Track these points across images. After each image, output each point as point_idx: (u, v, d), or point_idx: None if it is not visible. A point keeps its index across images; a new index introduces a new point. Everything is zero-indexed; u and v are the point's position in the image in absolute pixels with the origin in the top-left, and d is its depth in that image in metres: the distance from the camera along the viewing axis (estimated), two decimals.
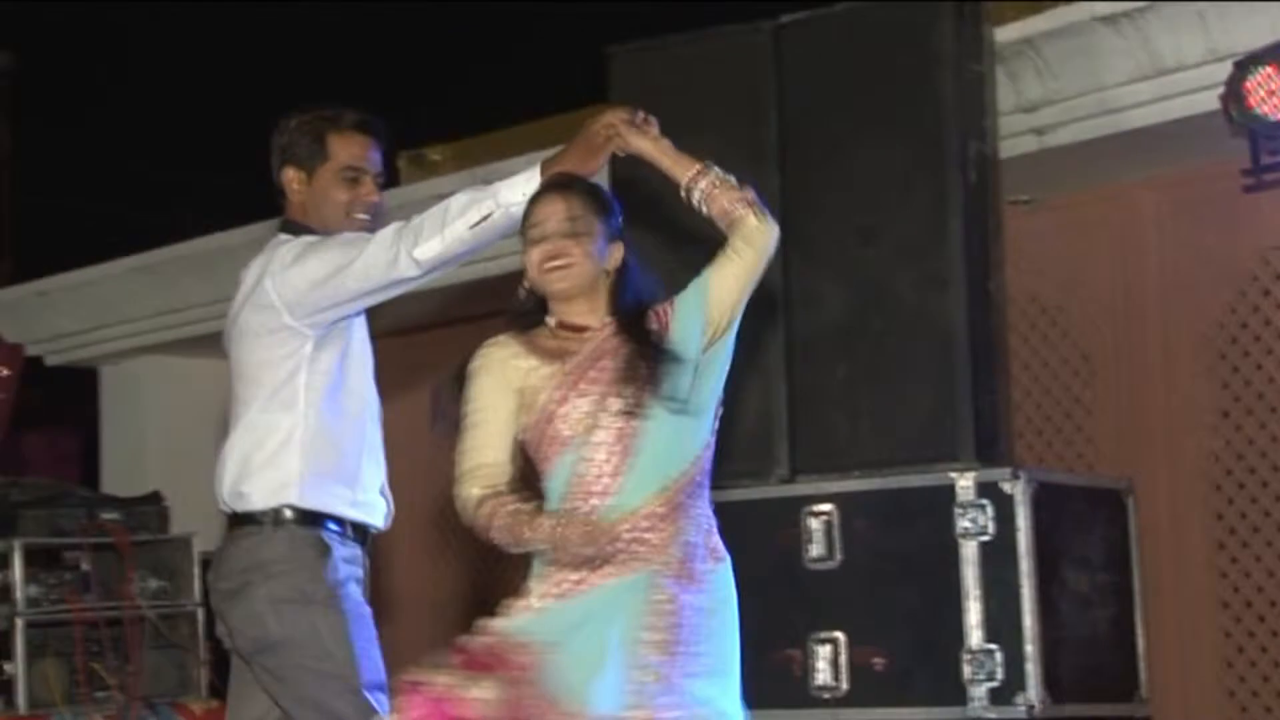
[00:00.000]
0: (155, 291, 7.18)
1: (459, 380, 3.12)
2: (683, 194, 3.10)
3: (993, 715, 4.18)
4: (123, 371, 7.67)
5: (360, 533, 3.57)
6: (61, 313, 7.54)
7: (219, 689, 5.31)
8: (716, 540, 3.11)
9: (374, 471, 3.61)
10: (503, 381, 3.09)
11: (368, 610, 3.52)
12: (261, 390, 3.51)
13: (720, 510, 4.53)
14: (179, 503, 5.54)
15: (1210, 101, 4.56)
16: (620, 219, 3.16)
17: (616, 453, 3.01)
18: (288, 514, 3.48)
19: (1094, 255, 5.40)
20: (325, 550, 3.47)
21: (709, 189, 3.08)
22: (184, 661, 5.31)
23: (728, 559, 3.10)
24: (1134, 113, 4.84)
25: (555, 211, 3.08)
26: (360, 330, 3.61)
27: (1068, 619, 4.31)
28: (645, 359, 3.05)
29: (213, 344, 7.55)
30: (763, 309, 4.53)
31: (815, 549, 4.41)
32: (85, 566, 5.12)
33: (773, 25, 4.69)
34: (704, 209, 3.08)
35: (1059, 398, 5.44)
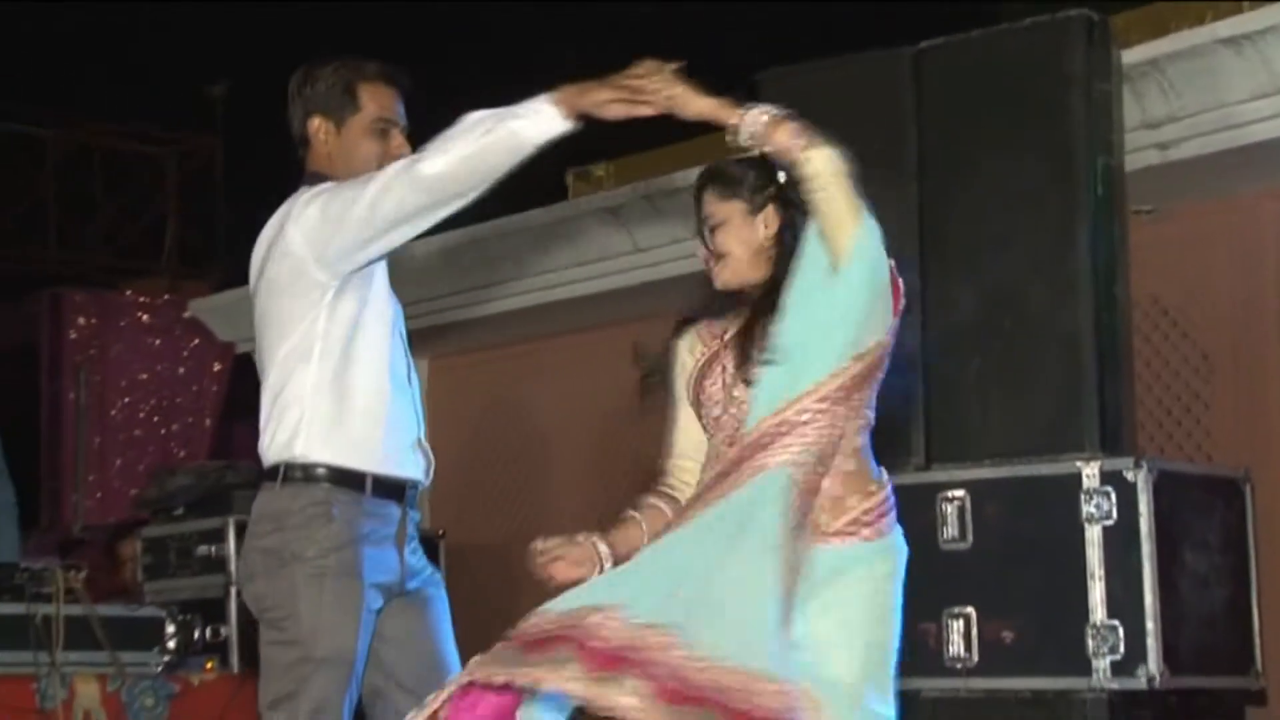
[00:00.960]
0: None
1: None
2: (729, 137, 2.80)
3: (1115, 685, 4.16)
4: None
5: (389, 487, 3.25)
6: None
7: None
8: None
9: (401, 423, 3.28)
10: (677, 374, 2.95)
11: (366, 582, 3.20)
12: (284, 343, 3.23)
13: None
14: None
15: None
16: (770, 182, 2.88)
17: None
18: (295, 471, 3.20)
19: (1214, 261, 5.35)
20: (328, 510, 3.18)
21: (760, 128, 2.76)
22: None
23: None
24: (1254, 128, 4.81)
25: (700, 214, 2.91)
26: (380, 283, 3.30)
27: (1186, 598, 4.29)
28: (756, 321, 2.81)
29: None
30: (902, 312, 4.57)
31: (949, 531, 4.42)
32: None
33: (913, 50, 4.71)
34: (758, 148, 2.79)
35: (1179, 393, 5.39)
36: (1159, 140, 4.94)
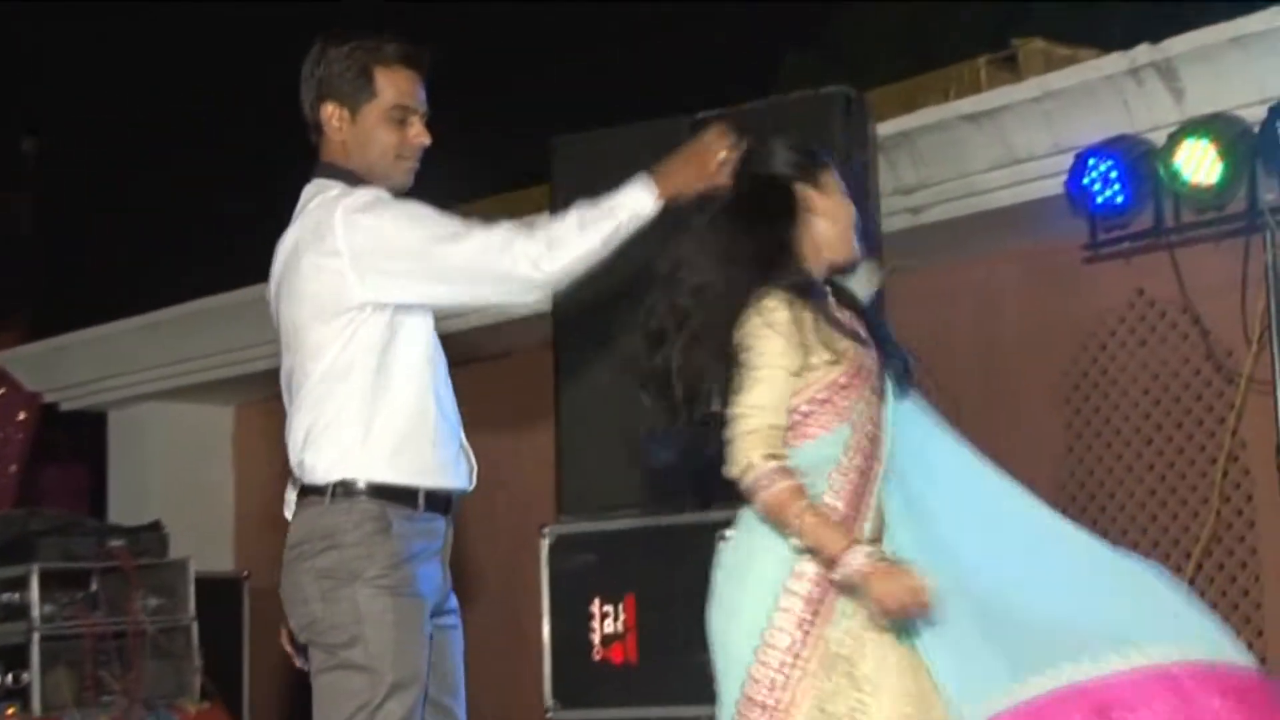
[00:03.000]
0: (159, 346, 7.12)
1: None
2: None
3: None
4: (129, 416, 7.57)
5: (438, 500, 2.92)
6: (76, 364, 7.44)
7: (209, 692, 5.23)
8: None
9: (447, 433, 2.94)
10: (795, 343, 2.67)
11: (426, 599, 2.87)
12: (320, 361, 2.85)
13: (644, 534, 4.54)
14: (177, 530, 5.46)
15: (1056, 187, 4.62)
16: None
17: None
18: (352, 486, 2.84)
19: (959, 315, 5.43)
20: (386, 526, 2.82)
21: None
22: (180, 669, 5.21)
23: None
24: (992, 195, 4.89)
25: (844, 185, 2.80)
26: None
27: None
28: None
29: (208, 391, 7.49)
30: None
31: None
32: (95, 587, 5.03)
33: (691, 119, 4.69)
34: None
35: None
36: (910, 205, 5.00)
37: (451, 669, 3.00)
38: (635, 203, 2.87)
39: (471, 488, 3.03)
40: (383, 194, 2.91)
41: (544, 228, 2.85)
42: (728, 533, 2.83)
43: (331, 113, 2.94)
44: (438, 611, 2.96)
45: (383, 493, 2.85)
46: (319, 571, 2.83)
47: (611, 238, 2.86)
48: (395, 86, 2.94)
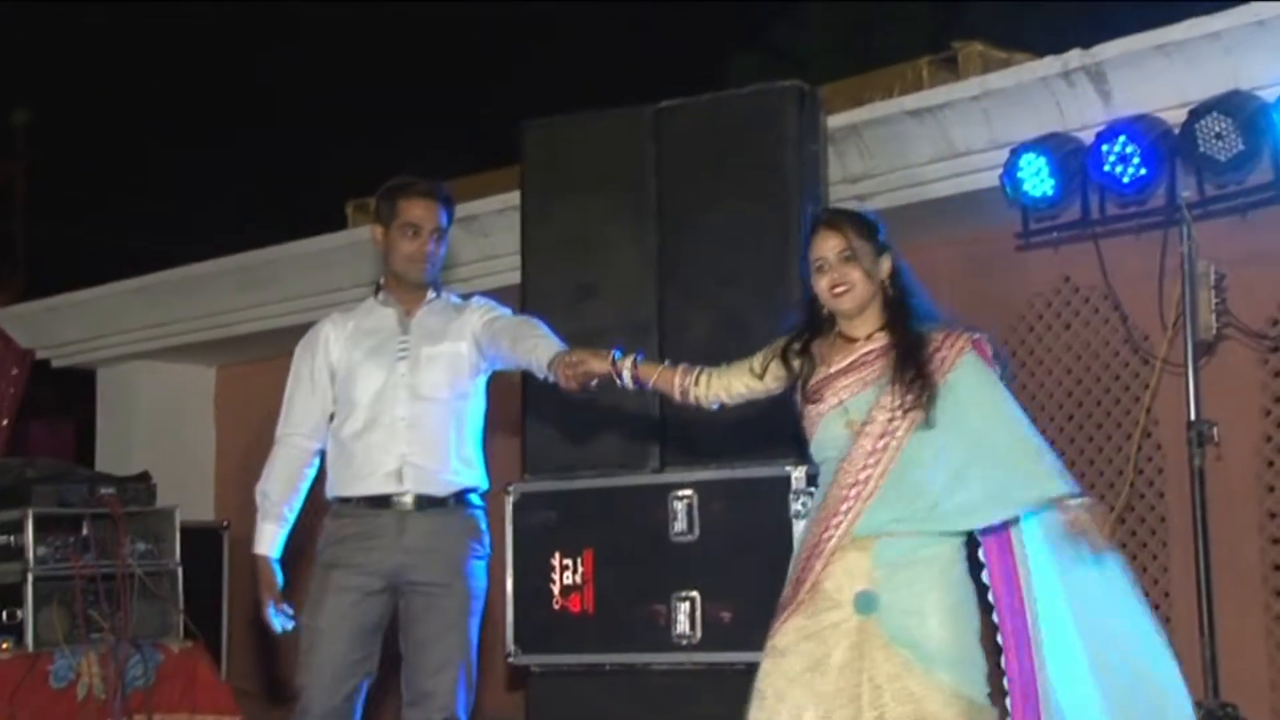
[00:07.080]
0: (146, 308, 7.06)
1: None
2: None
3: None
4: (117, 373, 7.52)
5: (364, 501, 3.80)
6: (67, 324, 7.37)
7: (191, 632, 5.21)
8: None
9: (376, 456, 3.77)
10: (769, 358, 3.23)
11: (338, 571, 3.76)
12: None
13: (602, 494, 4.57)
14: (160, 482, 5.42)
15: (992, 179, 4.65)
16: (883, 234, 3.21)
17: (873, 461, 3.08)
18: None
19: None
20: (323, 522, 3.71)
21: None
22: (164, 610, 5.18)
23: None
24: (933, 186, 4.92)
25: (833, 245, 3.14)
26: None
27: None
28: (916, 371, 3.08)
29: (191, 352, 7.45)
30: (641, 334, 4.54)
31: (679, 525, 4.39)
32: (86, 531, 4.98)
33: (654, 108, 4.70)
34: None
35: None
36: (857, 193, 5.01)
37: (424, 634, 3.62)
38: (546, 354, 3.43)
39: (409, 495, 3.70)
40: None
41: None
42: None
43: (376, 232, 3.75)
44: (389, 589, 3.68)
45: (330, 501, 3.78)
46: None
47: (519, 361, 3.58)
48: (410, 210, 3.68)
